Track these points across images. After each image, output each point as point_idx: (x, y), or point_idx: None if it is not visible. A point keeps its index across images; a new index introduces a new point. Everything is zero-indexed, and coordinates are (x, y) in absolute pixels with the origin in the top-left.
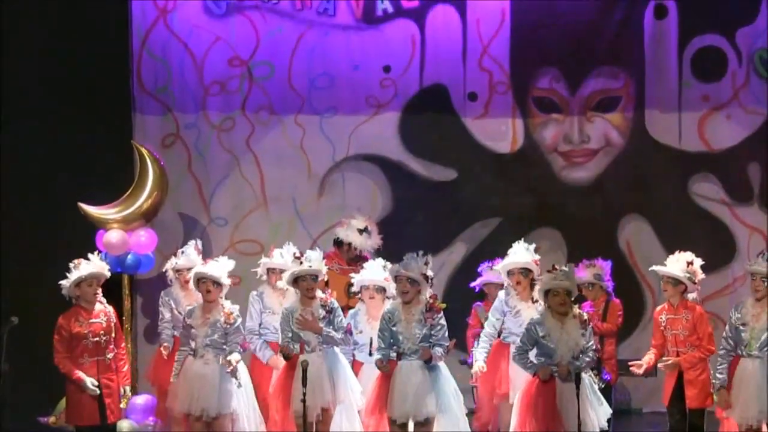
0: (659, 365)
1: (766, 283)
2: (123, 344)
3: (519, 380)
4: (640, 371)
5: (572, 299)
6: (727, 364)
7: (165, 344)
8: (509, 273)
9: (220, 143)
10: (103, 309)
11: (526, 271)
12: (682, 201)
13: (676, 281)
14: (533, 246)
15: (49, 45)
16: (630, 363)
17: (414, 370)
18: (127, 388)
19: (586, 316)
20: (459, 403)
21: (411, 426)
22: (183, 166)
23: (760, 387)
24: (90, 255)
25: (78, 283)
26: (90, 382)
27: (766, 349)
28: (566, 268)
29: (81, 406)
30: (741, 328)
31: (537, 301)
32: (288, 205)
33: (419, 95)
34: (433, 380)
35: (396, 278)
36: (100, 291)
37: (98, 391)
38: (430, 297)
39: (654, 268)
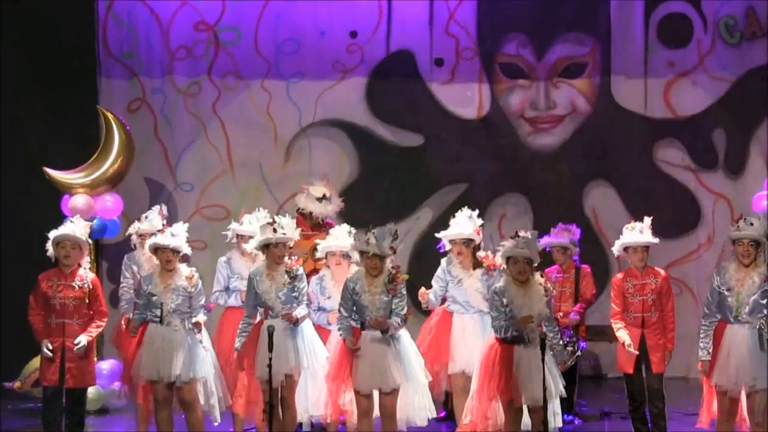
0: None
1: (753, 248)
2: (105, 318)
3: (458, 351)
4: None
5: (533, 267)
6: (711, 333)
7: (126, 315)
8: (451, 242)
9: (186, 108)
10: (82, 275)
11: (468, 241)
12: (647, 167)
13: (648, 247)
14: (476, 212)
15: (14, 10)
16: (628, 350)
17: (379, 341)
18: (82, 339)
19: (549, 285)
20: (422, 371)
21: (376, 395)
22: (149, 130)
23: (752, 353)
24: (74, 219)
25: (56, 244)
26: (45, 344)
27: (758, 314)
28: (529, 236)
29: (44, 366)
30: (726, 293)
31: (477, 268)
32: (254, 171)
33: (386, 61)
34: (398, 350)
35: (362, 253)
36: (82, 257)
37: (50, 354)
38: (392, 267)
39: (628, 241)
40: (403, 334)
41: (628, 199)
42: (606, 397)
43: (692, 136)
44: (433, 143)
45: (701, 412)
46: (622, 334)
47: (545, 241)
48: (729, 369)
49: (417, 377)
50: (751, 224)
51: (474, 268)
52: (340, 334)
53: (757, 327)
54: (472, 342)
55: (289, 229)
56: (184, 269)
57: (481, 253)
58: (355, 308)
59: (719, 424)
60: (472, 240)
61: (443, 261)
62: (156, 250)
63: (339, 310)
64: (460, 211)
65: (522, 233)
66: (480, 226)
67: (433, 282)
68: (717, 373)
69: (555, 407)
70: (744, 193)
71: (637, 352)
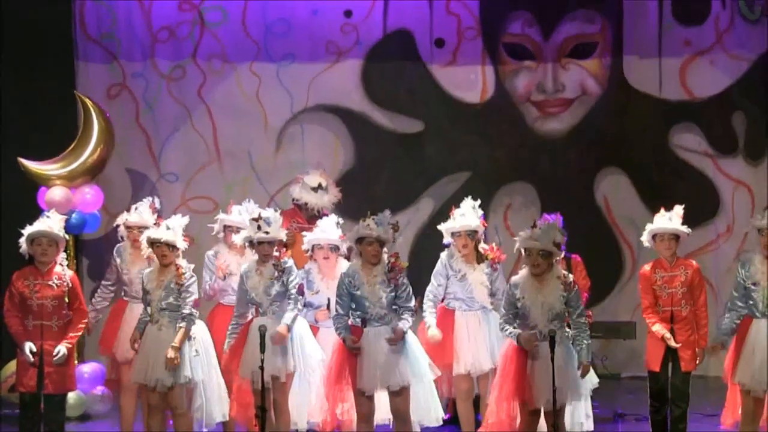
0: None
1: None
2: (85, 318)
3: (462, 351)
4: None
5: (551, 260)
6: (736, 323)
7: (88, 319)
8: (454, 234)
9: (169, 94)
10: (59, 272)
11: (473, 233)
12: (662, 153)
13: (676, 236)
14: (478, 202)
15: None
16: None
17: (383, 338)
18: (62, 349)
19: (571, 278)
20: (429, 368)
21: (377, 397)
22: (130, 118)
23: None
24: (49, 213)
25: (31, 241)
26: (28, 347)
27: None
28: (544, 226)
29: (22, 371)
30: (752, 287)
31: (482, 262)
32: (243, 160)
33: (383, 42)
34: (404, 346)
35: (362, 240)
36: (58, 254)
37: (31, 359)
38: (390, 256)
39: (655, 227)
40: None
41: (641, 187)
42: (619, 397)
43: (710, 120)
44: (434, 130)
45: (724, 412)
46: (658, 328)
47: None
48: (753, 367)
49: (425, 375)
50: None
51: (478, 262)
52: (338, 335)
53: None
54: (476, 341)
55: (274, 228)
56: (182, 264)
57: (484, 246)
58: (353, 305)
59: (743, 425)
60: (476, 232)
61: (443, 255)
62: (152, 244)
63: (335, 309)
64: (464, 200)
65: (540, 222)
66: (482, 216)
67: (432, 278)
68: (740, 370)
69: (587, 409)
70: (765, 179)
71: (678, 345)
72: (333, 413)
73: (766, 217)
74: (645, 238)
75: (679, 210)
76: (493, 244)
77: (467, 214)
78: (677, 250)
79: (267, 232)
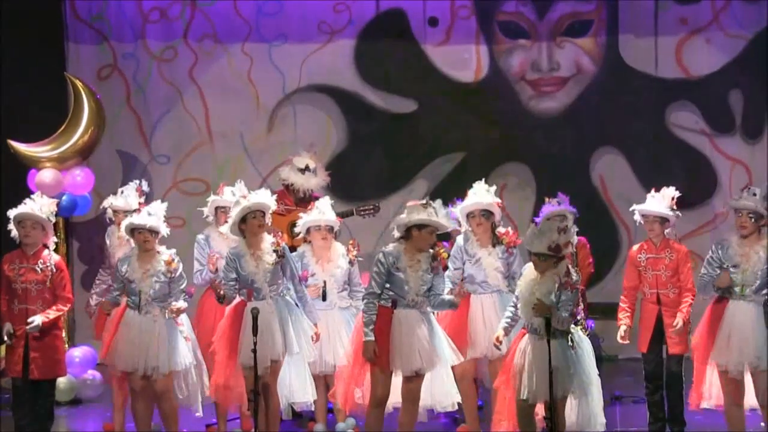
0: (671, 333)
1: (753, 220)
2: (68, 305)
3: (477, 334)
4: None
5: (549, 261)
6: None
7: (94, 303)
8: (469, 215)
9: (160, 75)
10: (46, 257)
11: (488, 214)
12: (658, 132)
13: (663, 219)
14: (494, 188)
15: None
16: (622, 340)
17: (416, 320)
18: (36, 319)
19: (569, 279)
20: (453, 352)
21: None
22: (121, 99)
23: (755, 331)
24: (35, 196)
25: (17, 224)
26: (5, 329)
27: (763, 292)
28: (542, 226)
29: (9, 356)
30: (732, 270)
31: (496, 245)
32: (235, 141)
33: (376, 21)
34: (433, 328)
35: (422, 227)
36: (47, 237)
37: (8, 341)
38: (435, 244)
39: (639, 207)
40: (430, 313)
41: (638, 166)
42: (617, 380)
43: (707, 98)
44: (428, 109)
45: (691, 393)
46: (621, 316)
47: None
48: (731, 348)
49: (449, 359)
50: (754, 194)
51: (493, 246)
52: (365, 320)
53: (763, 304)
54: (491, 324)
55: (264, 197)
56: (164, 252)
57: (501, 230)
58: (388, 284)
59: (726, 407)
60: (491, 213)
61: (459, 239)
62: (132, 230)
63: (370, 284)
64: (477, 182)
65: (545, 210)
66: (499, 200)
67: (449, 263)
68: (717, 351)
69: (593, 404)
70: (763, 158)
71: (627, 342)
72: (352, 397)
73: (743, 197)
74: (636, 217)
75: (668, 192)
76: (509, 229)
77: (480, 193)
78: (673, 233)
79: (258, 200)
